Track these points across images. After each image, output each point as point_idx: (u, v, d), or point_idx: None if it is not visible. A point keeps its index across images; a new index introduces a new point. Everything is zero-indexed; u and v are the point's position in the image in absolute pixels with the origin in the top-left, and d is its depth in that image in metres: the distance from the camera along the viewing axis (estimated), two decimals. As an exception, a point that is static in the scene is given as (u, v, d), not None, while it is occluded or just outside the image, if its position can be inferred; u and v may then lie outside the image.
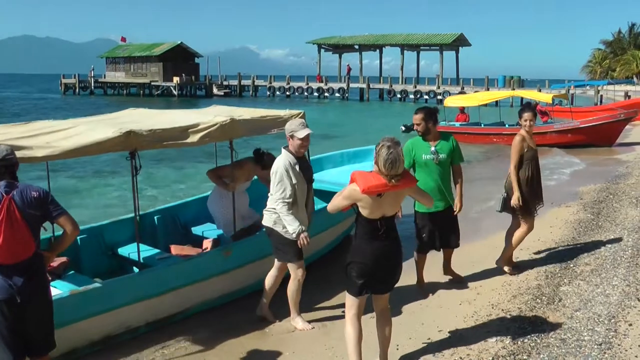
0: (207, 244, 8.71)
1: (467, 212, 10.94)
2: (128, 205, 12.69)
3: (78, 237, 8.02)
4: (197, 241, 9.04)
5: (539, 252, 9.63)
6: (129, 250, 8.31)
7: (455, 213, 8.02)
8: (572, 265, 8.81)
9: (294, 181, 6.76)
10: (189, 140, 7.17)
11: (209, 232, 9.23)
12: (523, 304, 7.46)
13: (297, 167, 6.81)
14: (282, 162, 6.80)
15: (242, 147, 9.10)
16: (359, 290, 5.59)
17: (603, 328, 6.45)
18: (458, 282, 8.48)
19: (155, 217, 9.30)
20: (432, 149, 7.78)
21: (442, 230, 8.02)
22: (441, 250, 8.31)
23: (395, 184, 5.21)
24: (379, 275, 5.55)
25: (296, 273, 7.05)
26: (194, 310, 7.61)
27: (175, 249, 8.60)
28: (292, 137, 6.86)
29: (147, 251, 8.13)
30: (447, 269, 8.58)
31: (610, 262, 8.76)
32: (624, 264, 8.56)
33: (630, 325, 6.47)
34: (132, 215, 7.79)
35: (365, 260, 5.50)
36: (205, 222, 9.60)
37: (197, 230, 9.45)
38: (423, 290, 8.23)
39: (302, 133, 6.82)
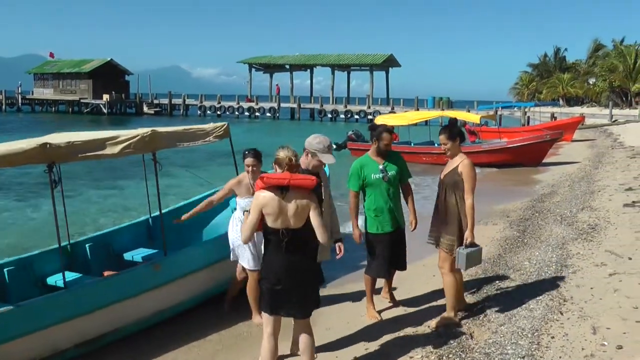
0: None
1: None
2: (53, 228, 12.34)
3: (5, 269, 7.71)
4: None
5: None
6: (57, 279, 7.90)
7: (412, 230, 7.78)
8: (497, 282, 8.93)
9: None
10: (109, 151, 7.06)
11: (141, 256, 8.96)
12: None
13: None
14: None
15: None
16: (270, 308, 5.53)
17: (526, 341, 6.53)
18: (393, 305, 8.30)
19: (87, 245, 8.90)
20: (380, 167, 7.63)
21: (391, 253, 7.70)
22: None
23: (294, 177, 5.33)
24: (285, 293, 5.44)
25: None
26: (127, 330, 7.38)
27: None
28: (313, 155, 6.39)
29: (76, 278, 7.81)
30: (389, 293, 8.38)
31: (534, 277, 8.91)
32: (548, 279, 8.71)
33: (553, 337, 6.57)
34: (63, 244, 7.53)
35: (269, 275, 5.46)
36: (138, 247, 9.35)
37: (129, 256, 9.11)
38: (378, 317, 7.82)
39: (327, 159, 6.31)
